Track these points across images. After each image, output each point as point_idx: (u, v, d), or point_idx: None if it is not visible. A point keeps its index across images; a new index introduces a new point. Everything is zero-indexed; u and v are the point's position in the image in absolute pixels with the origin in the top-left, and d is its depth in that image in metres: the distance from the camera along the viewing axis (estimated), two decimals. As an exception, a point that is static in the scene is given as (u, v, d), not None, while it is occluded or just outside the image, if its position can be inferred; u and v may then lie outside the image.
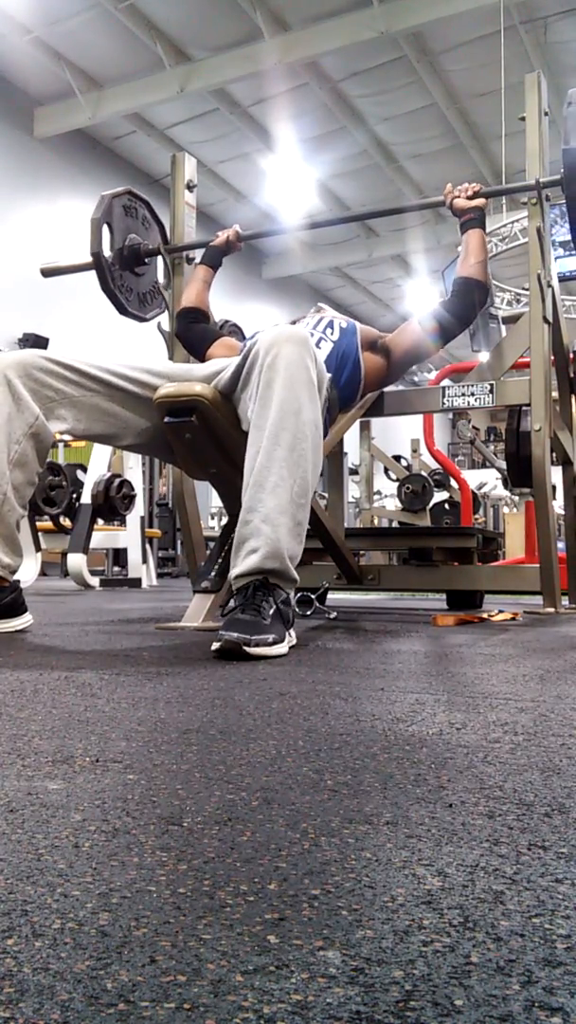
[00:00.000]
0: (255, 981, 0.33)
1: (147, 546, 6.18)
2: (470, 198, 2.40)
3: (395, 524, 7.08)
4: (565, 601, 2.77)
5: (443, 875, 0.45)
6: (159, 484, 8.82)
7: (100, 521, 5.61)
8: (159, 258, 2.72)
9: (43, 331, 9.98)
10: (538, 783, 0.63)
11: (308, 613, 2.47)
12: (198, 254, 2.80)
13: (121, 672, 1.24)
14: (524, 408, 3.25)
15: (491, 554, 3.94)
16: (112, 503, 5.27)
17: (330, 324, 2.37)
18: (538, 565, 2.62)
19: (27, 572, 4.37)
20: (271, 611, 1.52)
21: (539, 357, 2.51)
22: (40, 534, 5.25)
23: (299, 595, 2.46)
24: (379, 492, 9.18)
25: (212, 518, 9.91)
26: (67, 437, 4.94)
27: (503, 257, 10.51)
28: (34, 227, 10.56)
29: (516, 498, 8.57)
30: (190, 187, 2.81)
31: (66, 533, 5.42)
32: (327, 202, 12.91)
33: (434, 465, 7.22)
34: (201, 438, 1.88)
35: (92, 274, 2.54)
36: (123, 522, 5.83)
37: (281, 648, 1.48)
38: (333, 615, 2.51)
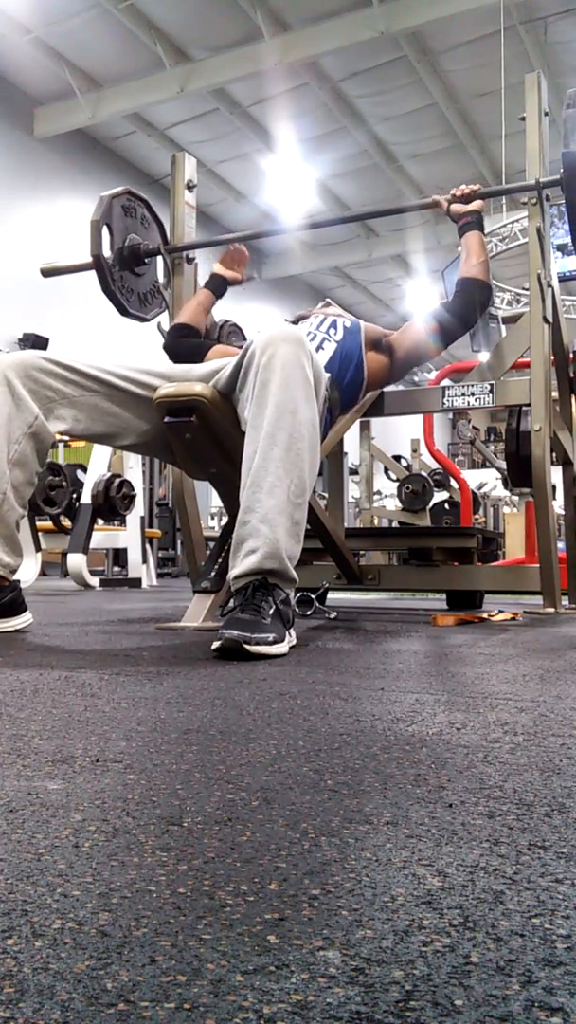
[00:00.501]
0: (255, 981, 0.33)
1: (147, 546, 6.18)
2: (467, 200, 2.40)
3: (395, 524, 7.08)
4: (565, 601, 2.77)
5: (443, 875, 0.45)
6: (159, 486, 8.82)
7: (100, 521, 5.61)
8: (159, 257, 2.72)
9: (43, 331, 9.98)
10: (538, 783, 0.63)
11: (308, 613, 2.47)
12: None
13: (121, 672, 1.24)
14: (524, 408, 3.25)
15: (491, 554, 3.94)
16: (112, 503, 5.27)
17: (333, 324, 2.37)
18: (538, 565, 2.62)
19: (27, 572, 4.37)
20: (271, 611, 1.52)
21: (539, 357, 2.51)
22: (40, 534, 5.25)
23: (299, 595, 2.46)
24: (379, 492, 9.18)
25: (212, 518, 9.91)
26: (67, 437, 4.95)
27: (503, 257, 10.51)
28: (34, 227, 10.56)
29: (516, 498, 8.57)
30: (190, 187, 2.81)
31: (66, 533, 5.42)
32: (327, 202, 12.91)
33: (434, 465, 7.22)
34: (201, 438, 1.88)
35: (92, 274, 2.54)
36: (123, 522, 5.83)
37: (281, 648, 1.48)
38: (333, 615, 2.51)
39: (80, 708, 0.93)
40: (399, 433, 9.86)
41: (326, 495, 3.40)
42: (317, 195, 12.72)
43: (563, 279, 5.83)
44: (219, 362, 1.98)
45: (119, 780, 0.63)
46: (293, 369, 1.60)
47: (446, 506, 7.08)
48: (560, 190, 2.34)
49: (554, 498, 2.64)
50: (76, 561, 5.20)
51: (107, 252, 2.52)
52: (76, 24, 9.24)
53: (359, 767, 0.68)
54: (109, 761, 0.69)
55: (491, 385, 2.64)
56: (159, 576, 7.38)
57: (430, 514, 6.88)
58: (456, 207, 2.42)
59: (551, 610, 2.55)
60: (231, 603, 1.54)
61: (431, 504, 6.94)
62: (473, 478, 9.37)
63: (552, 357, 2.60)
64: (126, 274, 2.62)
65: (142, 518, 5.91)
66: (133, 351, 6.09)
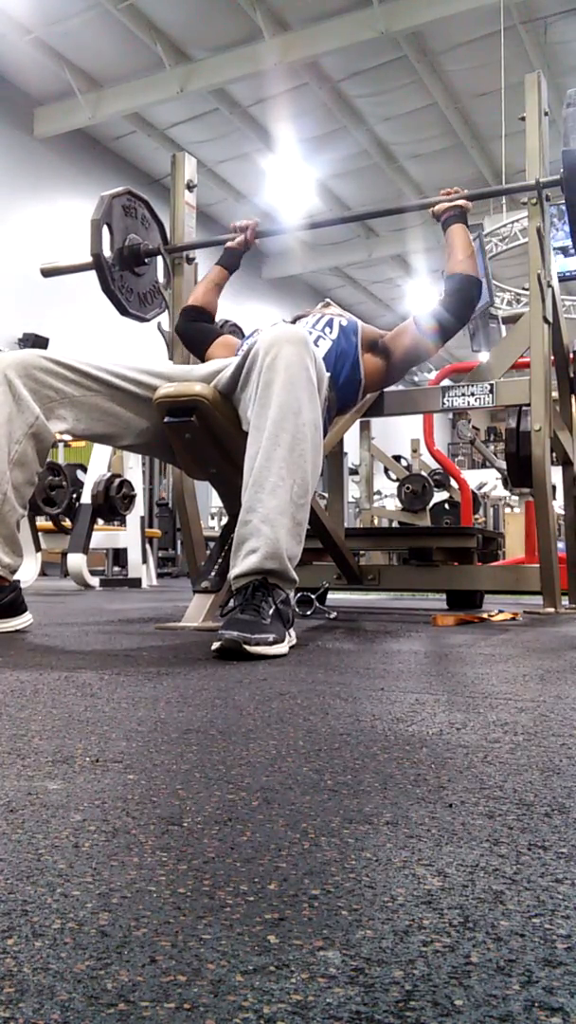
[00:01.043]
0: (255, 981, 0.33)
1: (147, 546, 6.18)
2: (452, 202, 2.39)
3: (395, 524, 7.08)
4: (565, 601, 2.77)
5: (443, 875, 0.45)
6: (159, 486, 8.82)
7: (100, 521, 5.61)
8: (159, 257, 2.72)
9: (43, 331, 9.98)
10: (538, 783, 0.63)
11: (308, 613, 2.47)
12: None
13: (121, 672, 1.24)
14: (524, 408, 3.25)
15: (491, 554, 3.94)
16: (112, 503, 5.27)
17: (329, 323, 2.37)
18: (538, 565, 2.62)
19: (27, 572, 4.37)
20: (271, 611, 1.52)
21: (539, 357, 2.51)
22: (40, 534, 5.25)
23: (299, 595, 2.46)
24: (379, 492, 9.18)
25: (212, 518, 9.91)
26: (67, 437, 4.95)
27: (503, 257, 10.51)
28: (34, 227, 10.56)
29: (516, 498, 8.57)
30: (190, 187, 2.81)
31: (66, 533, 5.42)
32: (327, 202, 12.91)
33: (434, 465, 7.22)
34: (201, 438, 1.88)
35: (92, 274, 2.54)
36: (123, 522, 5.83)
37: (281, 648, 1.48)
38: (333, 615, 2.51)
39: (80, 708, 0.93)
40: (399, 433, 9.86)
41: (326, 495, 3.40)
42: (317, 195, 12.72)
43: (563, 279, 5.83)
44: (220, 362, 1.98)
45: (119, 780, 0.63)
46: (297, 370, 1.60)
47: (446, 506, 7.07)
48: (560, 190, 2.33)
49: (554, 498, 2.64)
50: (76, 561, 5.20)
51: (107, 252, 2.52)
52: (76, 24, 9.24)
53: (359, 767, 0.68)
54: (109, 761, 0.69)
55: (491, 385, 2.64)
56: (159, 576, 7.38)
57: (430, 514, 6.88)
58: (440, 206, 2.40)
59: (551, 610, 2.55)
60: (231, 603, 1.54)
61: (431, 504, 6.94)
62: (473, 478, 9.37)
63: (552, 357, 2.59)
64: (126, 274, 2.62)
65: (142, 518, 5.91)
66: (133, 351, 6.09)
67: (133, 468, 5.73)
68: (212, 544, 2.31)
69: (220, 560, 2.09)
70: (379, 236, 14.42)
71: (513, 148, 9.31)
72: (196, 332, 2.49)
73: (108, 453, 5.41)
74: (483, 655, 1.55)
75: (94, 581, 5.41)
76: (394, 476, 7.77)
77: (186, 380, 1.93)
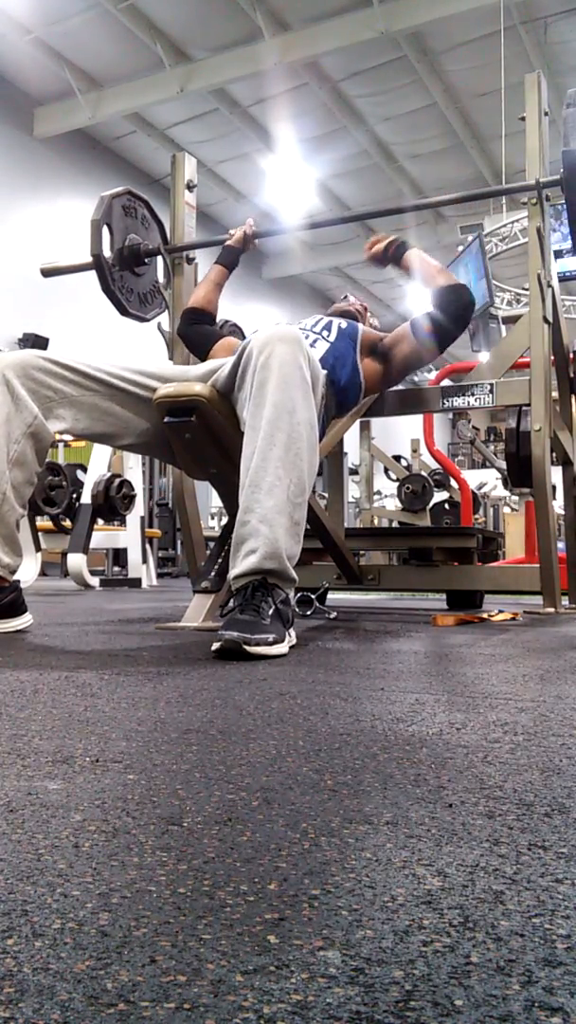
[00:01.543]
0: (255, 981, 0.33)
1: (147, 546, 6.18)
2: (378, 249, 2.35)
3: (395, 524, 7.08)
4: (565, 601, 2.77)
5: (443, 875, 0.45)
6: (159, 486, 8.81)
7: (100, 521, 5.61)
8: (159, 257, 2.72)
9: (43, 331, 9.98)
10: (538, 783, 0.63)
11: (308, 613, 2.47)
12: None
13: (121, 672, 1.24)
14: (524, 408, 3.25)
15: (491, 554, 3.94)
16: (112, 503, 5.27)
17: (328, 326, 2.36)
18: (538, 565, 2.62)
19: (27, 572, 4.37)
20: (270, 611, 1.52)
21: (539, 357, 2.51)
22: (40, 534, 5.25)
23: (299, 595, 2.46)
24: (379, 492, 9.18)
25: (212, 518, 9.91)
26: (67, 437, 4.95)
27: (503, 257, 10.51)
28: (34, 227, 10.56)
29: (516, 498, 8.57)
30: (190, 187, 2.81)
31: (66, 533, 5.42)
32: (327, 202, 12.91)
33: (434, 465, 7.22)
34: (201, 438, 1.89)
35: (92, 274, 2.54)
36: (123, 522, 5.83)
37: (281, 648, 1.48)
38: (333, 615, 2.51)
39: (80, 708, 0.93)
40: (399, 433, 9.86)
41: (326, 495, 3.41)
42: (317, 195, 12.72)
43: (563, 279, 5.83)
44: (216, 362, 1.98)
45: (119, 780, 0.63)
46: (291, 369, 1.60)
47: (446, 506, 7.07)
48: (560, 190, 2.33)
49: (554, 498, 2.64)
50: (76, 561, 5.20)
51: (107, 252, 2.53)
52: (76, 24, 9.24)
53: (359, 767, 0.68)
54: (109, 761, 0.69)
55: (491, 385, 2.64)
56: (159, 576, 7.38)
57: (430, 514, 6.88)
58: (375, 248, 2.34)
59: (551, 610, 2.55)
60: (231, 603, 1.54)
61: (431, 504, 6.94)
62: (473, 478, 9.37)
63: (552, 357, 2.59)
64: (126, 274, 2.62)
65: (142, 518, 5.91)
66: (133, 351, 6.09)
67: (133, 468, 5.73)
68: (212, 544, 2.31)
69: (220, 560, 2.09)
70: (379, 236, 14.40)
71: (513, 148, 9.31)
72: (198, 335, 2.49)
73: (108, 453, 5.41)
74: (483, 655, 1.55)
75: (94, 581, 5.41)
76: (394, 476, 7.77)
77: (183, 380, 1.93)
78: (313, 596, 2.50)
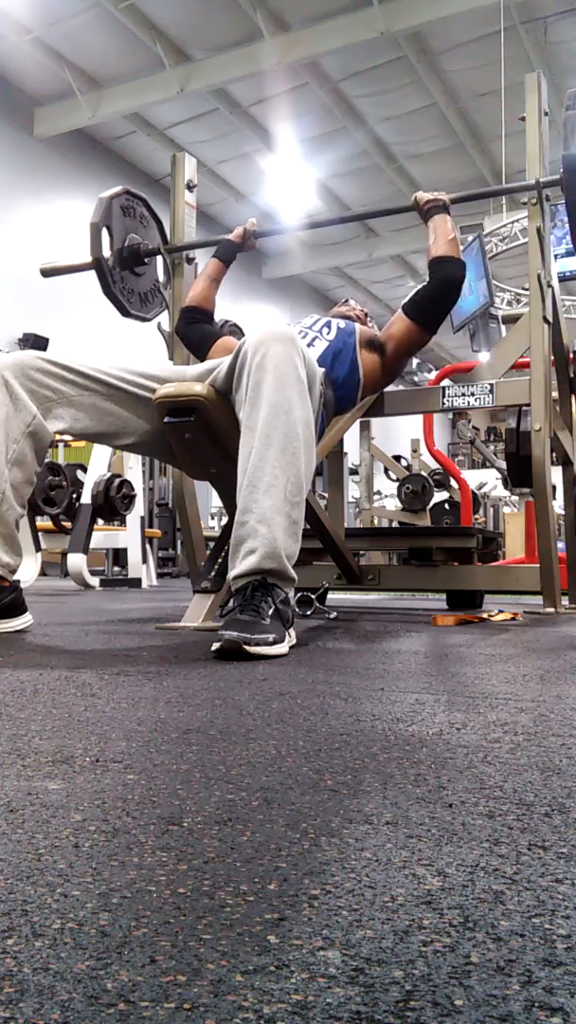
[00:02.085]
0: (255, 981, 0.33)
1: (147, 546, 6.18)
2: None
3: (395, 524, 7.08)
4: (565, 601, 2.77)
5: (443, 875, 0.45)
6: (159, 485, 8.81)
7: (100, 521, 5.61)
8: (159, 256, 2.72)
9: (43, 331, 9.98)
10: (538, 783, 0.63)
11: (308, 613, 2.47)
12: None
13: (121, 672, 1.24)
14: (524, 408, 3.25)
15: (491, 554, 3.94)
16: (112, 503, 5.27)
17: (327, 324, 2.37)
18: (538, 565, 2.62)
19: (27, 572, 4.37)
20: (270, 611, 1.52)
21: (539, 357, 2.51)
22: (40, 534, 5.25)
23: (299, 595, 2.46)
24: (379, 492, 9.18)
25: (212, 518, 9.90)
26: (67, 437, 4.95)
27: (503, 257, 10.50)
28: (34, 227, 10.56)
29: (516, 498, 8.57)
30: (190, 187, 2.81)
31: (66, 533, 5.42)
32: (327, 202, 12.91)
33: (434, 465, 7.22)
34: (201, 438, 1.89)
35: (92, 274, 2.54)
36: (123, 522, 5.83)
37: (281, 648, 1.48)
38: (333, 615, 2.51)
39: (80, 708, 0.93)
40: (399, 433, 9.86)
41: (326, 495, 3.40)
42: (317, 195, 12.72)
43: (563, 279, 5.83)
44: (213, 362, 1.99)
45: (119, 780, 0.63)
46: (286, 368, 1.60)
47: (446, 506, 7.07)
48: (560, 190, 2.33)
49: (554, 498, 2.64)
50: (76, 561, 5.20)
51: (107, 253, 2.52)
52: (76, 24, 9.24)
53: (359, 767, 0.68)
54: (109, 761, 0.69)
55: (491, 385, 2.64)
56: (159, 576, 7.38)
57: (430, 514, 6.87)
58: (420, 195, 2.39)
59: (551, 610, 2.55)
60: (230, 603, 1.54)
61: (431, 504, 6.94)
62: (473, 478, 9.36)
63: (552, 357, 2.59)
64: (126, 275, 2.62)
65: (142, 518, 5.91)
66: (133, 351, 6.09)
67: (133, 468, 5.73)
68: (212, 544, 2.31)
69: (220, 560, 2.09)
70: (379, 236, 14.41)
71: (513, 148, 9.30)
72: (197, 334, 2.48)
73: (108, 453, 5.41)
74: (483, 655, 1.55)
75: (94, 581, 5.41)
76: (394, 476, 7.77)
77: (181, 380, 1.93)
78: (313, 596, 2.50)
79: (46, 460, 4.80)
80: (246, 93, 10.46)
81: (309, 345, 2.26)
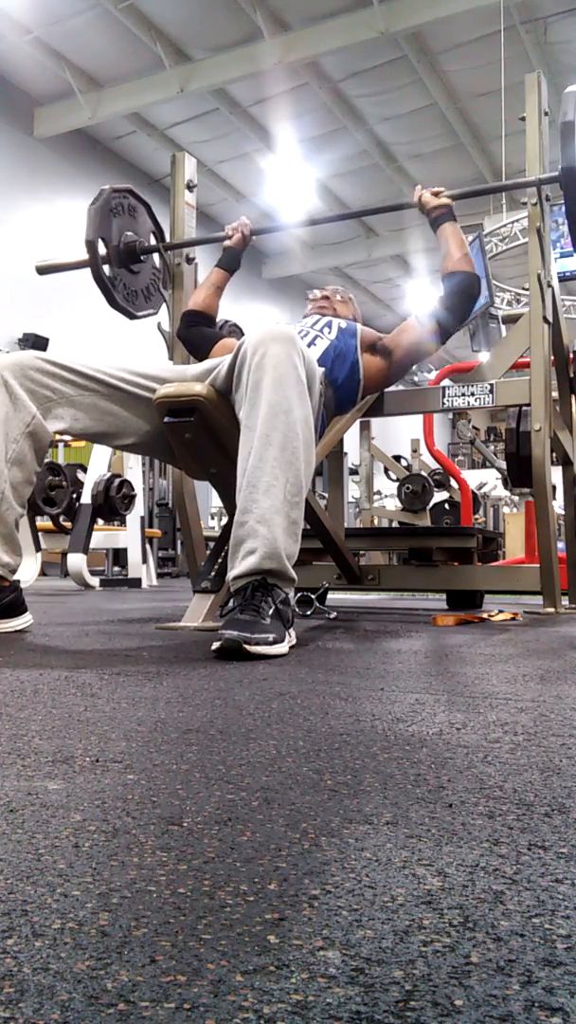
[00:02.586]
0: (255, 981, 0.33)
1: (147, 546, 6.18)
2: (437, 195, 2.39)
3: (395, 524, 7.08)
4: (565, 601, 2.77)
5: (443, 875, 0.45)
6: (159, 485, 8.81)
7: (100, 521, 5.60)
8: (158, 262, 2.72)
9: (43, 331, 9.98)
10: (538, 783, 0.63)
11: (308, 613, 2.47)
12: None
13: (121, 672, 1.24)
14: (524, 408, 3.25)
15: (491, 554, 3.94)
16: (112, 503, 5.27)
17: (328, 324, 2.37)
18: (538, 565, 2.62)
19: (27, 572, 4.37)
20: (270, 611, 1.52)
21: (539, 357, 2.50)
22: (40, 534, 5.25)
23: (299, 595, 2.46)
24: (379, 492, 9.18)
25: (212, 518, 9.90)
26: (67, 437, 4.95)
27: (503, 257, 10.51)
28: (34, 227, 10.56)
29: (516, 498, 8.57)
30: (190, 187, 2.81)
31: (66, 533, 5.42)
32: (327, 202, 12.90)
33: (434, 465, 7.22)
34: (201, 438, 1.89)
35: (90, 273, 2.54)
36: (123, 522, 5.83)
37: (281, 648, 1.48)
38: (333, 615, 2.51)
39: (80, 708, 0.93)
40: (399, 433, 9.86)
41: (326, 495, 3.40)
42: (317, 195, 12.72)
43: (563, 279, 5.83)
44: (213, 361, 1.99)
45: (119, 780, 0.63)
46: (285, 368, 1.60)
47: (446, 506, 7.07)
48: (559, 187, 2.33)
49: (554, 498, 2.64)
50: (76, 561, 5.20)
51: (107, 271, 2.53)
52: (76, 24, 9.24)
53: (359, 767, 0.68)
54: (109, 761, 0.69)
55: (491, 385, 2.63)
56: (159, 576, 7.37)
57: (430, 514, 6.87)
58: (427, 197, 2.38)
59: (551, 610, 2.55)
60: (230, 603, 1.54)
61: (431, 504, 6.94)
62: (473, 478, 9.36)
63: (552, 357, 2.59)
64: (126, 276, 2.62)
65: (142, 518, 5.91)
66: (133, 351, 6.09)
67: (133, 468, 5.73)
68: (212, 544, 2.31)
69: (220, 560, 2.09)
70: (379, 236, 14.41)
71: (513, 148, 9.30)
72: (197, 337, 2.48)
73: (108, 453, 5.41)
74: (483, 655, 1.55)
75: (94, 581, 5.41)
76: (394, 476, 7.77)
77: (182, 380, 1.93)
78: (313, 596, 2.50)
79: (46, 460, 4.80)
80: (246, 93, 10.46)
81: (310, 344, 2.26)
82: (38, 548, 4.94)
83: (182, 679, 1.18)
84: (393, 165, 12.15)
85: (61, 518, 5.35)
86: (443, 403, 2.72)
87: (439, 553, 3.01)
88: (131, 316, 2.62)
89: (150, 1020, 0.30)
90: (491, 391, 2.63)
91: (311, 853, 0.48)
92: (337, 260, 15.10)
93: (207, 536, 2.94)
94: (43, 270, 2.84)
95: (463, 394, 2.67)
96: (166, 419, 1.87)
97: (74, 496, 5.29)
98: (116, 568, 7.22)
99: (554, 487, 2.63)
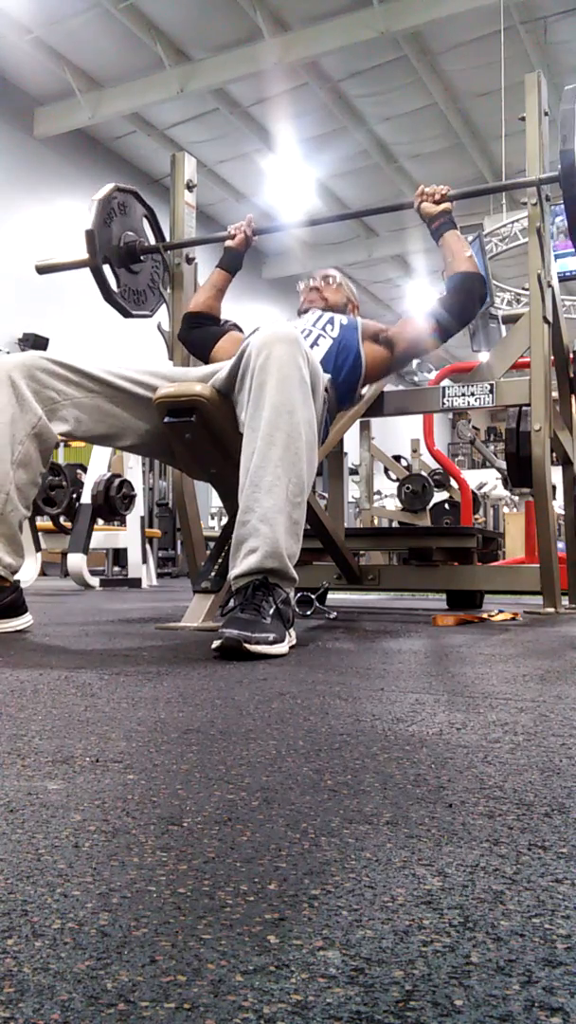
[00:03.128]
0: (255, 981, 0.33)
1: (147, 546, 6.18)
2: (438, 202, 2.38)
3: (395, 524, 7.08)
4: (565, 601, 2.77)
5: (443, 875, 0.45)
6: (160, 484, 8.81)
7: (100, 521, 5.60)
8: (157, 271, 2.72)
9: (43, 331, 9.98)
10: (538, 783, 0.63)
11: (308, 613, 2.47)
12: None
13: (121, 672, 1.24)
14: (524, 408, 3.25)
15: (491, 554, 3.94)
16: (112, 503, 5.27)
17: (330, 320, 2.37)
18: (538, 565, 2.62)
19: (27, 572, 4.37)
20: (271, 610, 1.52)
21: (539, 357, 2.50)
22: (40, 534, 5.25)
23: (299, 595, 2.46)
24: (379, 492, 9.18)
25: (212, 518, 9.90)
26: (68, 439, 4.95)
27: (503, 257, 10.50)
28: (34, 227, 10.56)
29: (516, 498, 8.57)
30: (190, 187, 2.81)
31: (66, 533, 5.42)
32: (327, 202, 12.91)
33: (434, 465, 7.22)
34: (201, 438, 1.89)
35: (90, 273, 2.54)
36: (123, 522, 5.83)
37: (281, 647, 1.48)
38: (333, 615, 2.51)
39: (80, 708, 0.93)
40: (399, 433, 9.85)
41: (326, 495, 3.40)
42: (317, 195, 12.72)
43: (563, 279, 5.83)
44: (217, 364, 1.99)
45: (119, 780, 0.63)
46: (289, 369, 1.60)
47: (446, 506, 7.07)
48: (559, 187, 2.33)
49: (554, 498, 2.64)
50: (76, 561, 5.20)
51: (106, 268, 2.52)
52: (76, 24, 9.24)
53: (359, 767, 0.68)
54: (109, 761, 0.69)
55: (491, 385, 2.63)
56: (159, 576, 7.38)
57: (430, 514, 6.88)
58: (427, 206, 2.38)
59: (551, 610, 2.55)
60: (231, 603, 1.54)
61: (431, 504, 6.94)
62: (473, 478, 9.36)
63: (552, 357, 2.59)
64: (125, 276, 2.62)
65: (142, 518, 5.91)
66: (133, 351, 6.09)
67: (133, 468, 5.73)
68: (212, 544, 2.31)
69: (220, 560, 2.09)
70: (379, 236, 14.42)
71: (513, 148, 9.30)
72: (198, 338, 2.47)
73: (108, 453, 5.41)
74: (483, 655, 1.55)
75: (94, 581, 5.41)
76: (394, 476, 7.77)
77: (185, 380, 1.93)
78: (313, 596, 2.50)
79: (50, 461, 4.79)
80: (246, 93, 10.46)
81: (313, 345, 2.26)
82: (38, 548, 4.94)
83: (182, 679, 1.18)
84: (393, 165, 12.15)
85: (61, 518, 5.35)
86: (443, 403, 2.72)
87: (439, 553, 3.01)
88: (125, 313, 2.61)
89: (150, 1020, 0.30)
90: (491, 391, 2.63)
91: (311, 853, 0.48)
92: (337, 260, 15.08)
93: (207, 536, 2.94)
94: (43, 270, 2.84)
95: (463, 394, 2.67)
96: (166, 419, 1.87)
97: (74, 496, 5.29)
98: (116, 568, 7.22)
99: (554, 487, 2.63)
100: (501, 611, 2.59)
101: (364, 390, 2.51)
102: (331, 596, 3.05)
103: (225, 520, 2.28)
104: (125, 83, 10.17)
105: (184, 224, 2.78)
